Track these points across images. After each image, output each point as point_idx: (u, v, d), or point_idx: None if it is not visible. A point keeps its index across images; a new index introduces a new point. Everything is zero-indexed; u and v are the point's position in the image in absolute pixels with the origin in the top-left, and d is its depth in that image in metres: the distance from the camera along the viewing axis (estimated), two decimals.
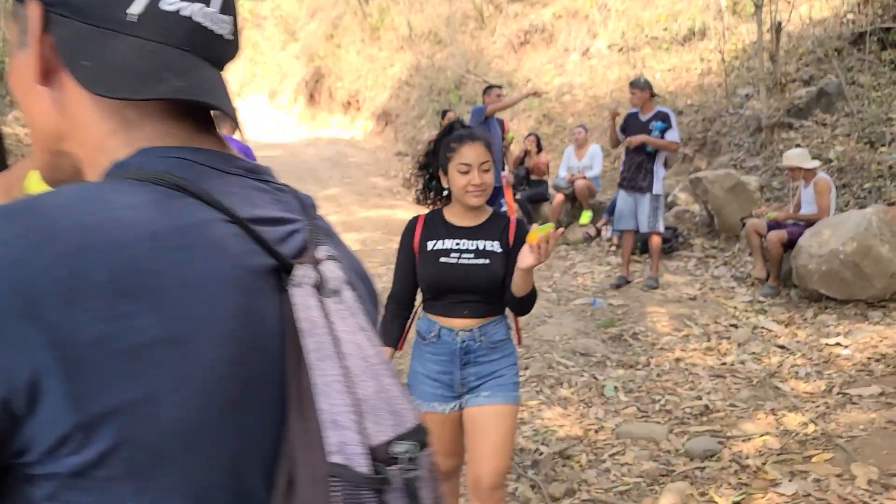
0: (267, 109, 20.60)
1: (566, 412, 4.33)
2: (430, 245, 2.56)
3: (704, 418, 4.22)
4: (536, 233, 2.28)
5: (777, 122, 8.34)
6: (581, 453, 3.86)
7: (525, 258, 2.31)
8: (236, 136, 5.49)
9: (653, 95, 6.59)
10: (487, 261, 2.49)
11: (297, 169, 13.07)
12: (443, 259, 2.51)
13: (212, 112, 0.74)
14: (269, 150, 13.95)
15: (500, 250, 2.51)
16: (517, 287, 2.42)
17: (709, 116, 9.48)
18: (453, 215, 2.60)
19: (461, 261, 2.49)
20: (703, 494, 3.45)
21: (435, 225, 2.60)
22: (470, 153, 2.47)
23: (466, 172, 2.46)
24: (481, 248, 2.52)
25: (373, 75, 17.82)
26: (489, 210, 2.64)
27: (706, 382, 4.67)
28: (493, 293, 2.53)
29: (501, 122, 7.48)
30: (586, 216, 8.57)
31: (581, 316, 5.93)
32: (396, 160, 14.16)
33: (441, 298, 2.56)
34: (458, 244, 2.52)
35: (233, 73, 23.78)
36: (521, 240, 2.49)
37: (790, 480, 3.53)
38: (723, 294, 6.35)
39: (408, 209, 10.79)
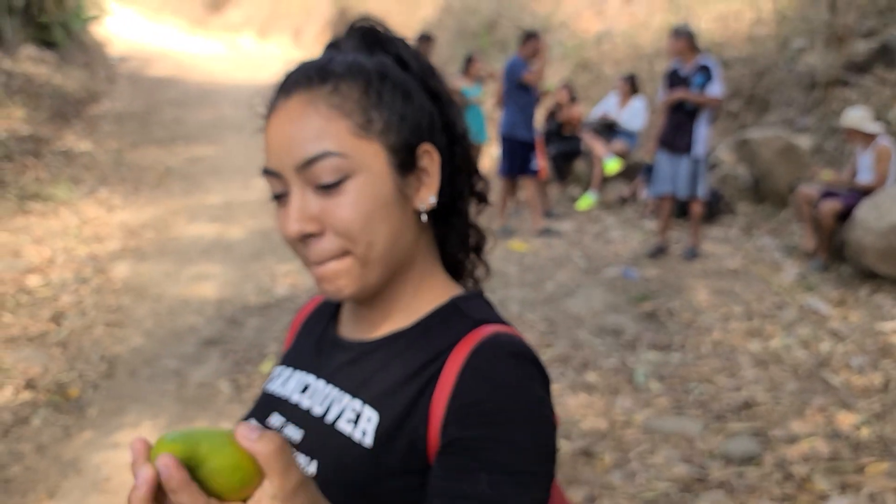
0: (290, 50, 20.04)
1: (591, 400, 3.94)
2: (272, 379, 1.03)
3: (744, 413, 3.80)
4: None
5: (833, 79, 7.69)
6: (605, 451, 3.47)
7: None
8: None
9: (693, 46, 5.99)
10: (317, 463, 0.87)
11: None
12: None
13: None
14: None
15: (370, 436, 0.85)
16: None
17: (758, 70, 8.82)
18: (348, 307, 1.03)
19: None
20: None
21: (318, 321, 1.06)
22: (277, 134, 0.87)
23: (279, 197, 0.89)
24: (337, 414, 0.89)
25: (401, 17, 17.14)
26: (421, 301, 0.95)
27: (748, 371, 4.23)
28: None
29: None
30: (587, 200, 8.01)
31: (612, 288, 5.49)
32: None
33: None
34: (304, 388, 0.96)
35: (255, 11, 23.12)
36: (463, 410, 0.81)
37: (841, 494, 3.13)
38: (767, 268, 5.85)
39: None
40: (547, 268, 5.95)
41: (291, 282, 5.42)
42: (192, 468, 0.66)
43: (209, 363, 4.28)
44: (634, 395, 3.99)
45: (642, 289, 5.45)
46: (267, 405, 0.97)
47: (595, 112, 8.87)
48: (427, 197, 0.90)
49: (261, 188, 7.86)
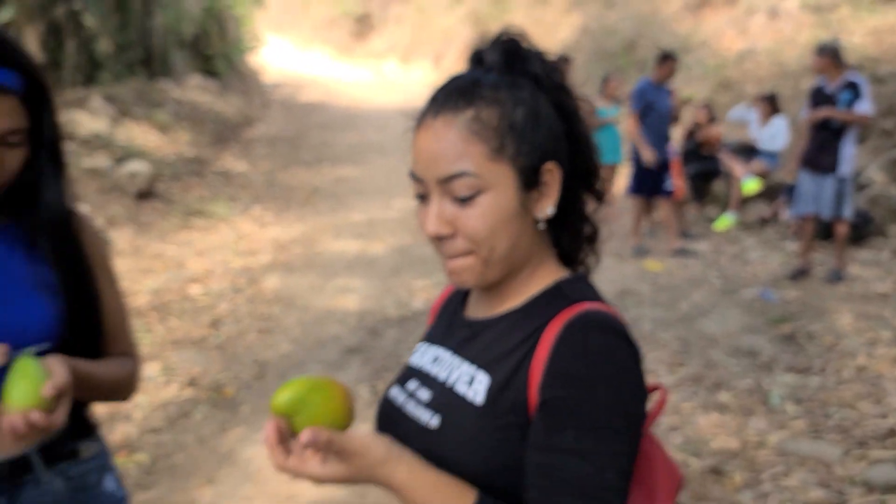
0: (431, 75, 20.61)
1: (723, 420, 3.89)
2: (414, 352, 1.23)
3: (890, 441, 3.65)
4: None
5: None
6: (736, 470, 3.44)
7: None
8: None
9: (839, 63, 5.77)
10: (439, 417, 1.05)
11: None
12: (393, 393, 1.17)
13: None
14: None
15: (481, 396, 1.03)
16: None
17: None
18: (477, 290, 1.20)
19: (407, 407, 1.12)
20: None
21: (452, 304, 1.25)
22: (423, 148, 1.04)
23: (421, 197, 1.07)
24: (456, 378, 1.08)
25: (540, 39, 17.25)
26: (535, 281, 1.10)
27: (895, 398, 4.05)
28: None
29: (670, 92, 6.92)
30: (725, 221, 7.82)
31: (749, 309, 5.37)
32: None
33: None
34: (434, 359, 1.16)
35: (398, 38, 23.92)
36: (559, 378, 0.97)
37: None
38: None
39: None
40: (682, 288, 5.89)
41: (427, 296, 5.64)
42: (290, 418, 0.98)
43: (350, 370, 4.54)
44: (769, 416, 3.92)
45: (781, 311, 5.31)
46: (407, 374, 1.18)
47: (730, 117, 8.81)
48: (546, 208, 1.06)
49: (400, 208, 8.20)
